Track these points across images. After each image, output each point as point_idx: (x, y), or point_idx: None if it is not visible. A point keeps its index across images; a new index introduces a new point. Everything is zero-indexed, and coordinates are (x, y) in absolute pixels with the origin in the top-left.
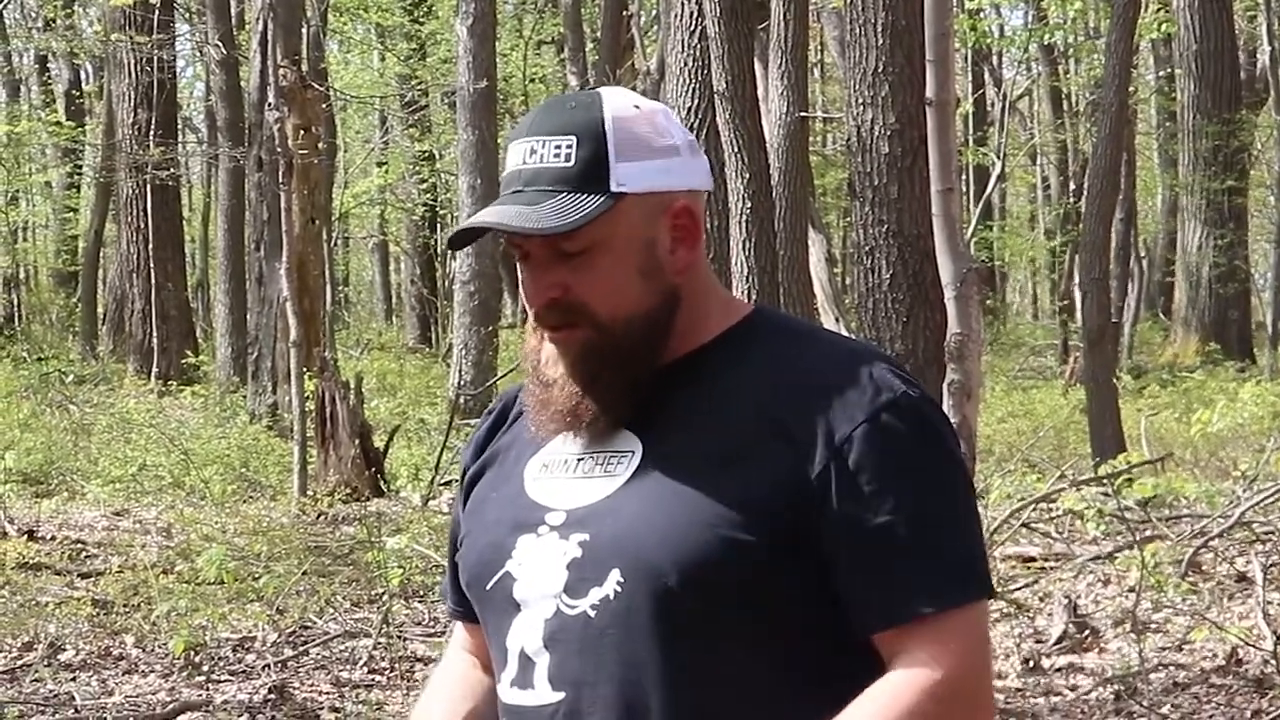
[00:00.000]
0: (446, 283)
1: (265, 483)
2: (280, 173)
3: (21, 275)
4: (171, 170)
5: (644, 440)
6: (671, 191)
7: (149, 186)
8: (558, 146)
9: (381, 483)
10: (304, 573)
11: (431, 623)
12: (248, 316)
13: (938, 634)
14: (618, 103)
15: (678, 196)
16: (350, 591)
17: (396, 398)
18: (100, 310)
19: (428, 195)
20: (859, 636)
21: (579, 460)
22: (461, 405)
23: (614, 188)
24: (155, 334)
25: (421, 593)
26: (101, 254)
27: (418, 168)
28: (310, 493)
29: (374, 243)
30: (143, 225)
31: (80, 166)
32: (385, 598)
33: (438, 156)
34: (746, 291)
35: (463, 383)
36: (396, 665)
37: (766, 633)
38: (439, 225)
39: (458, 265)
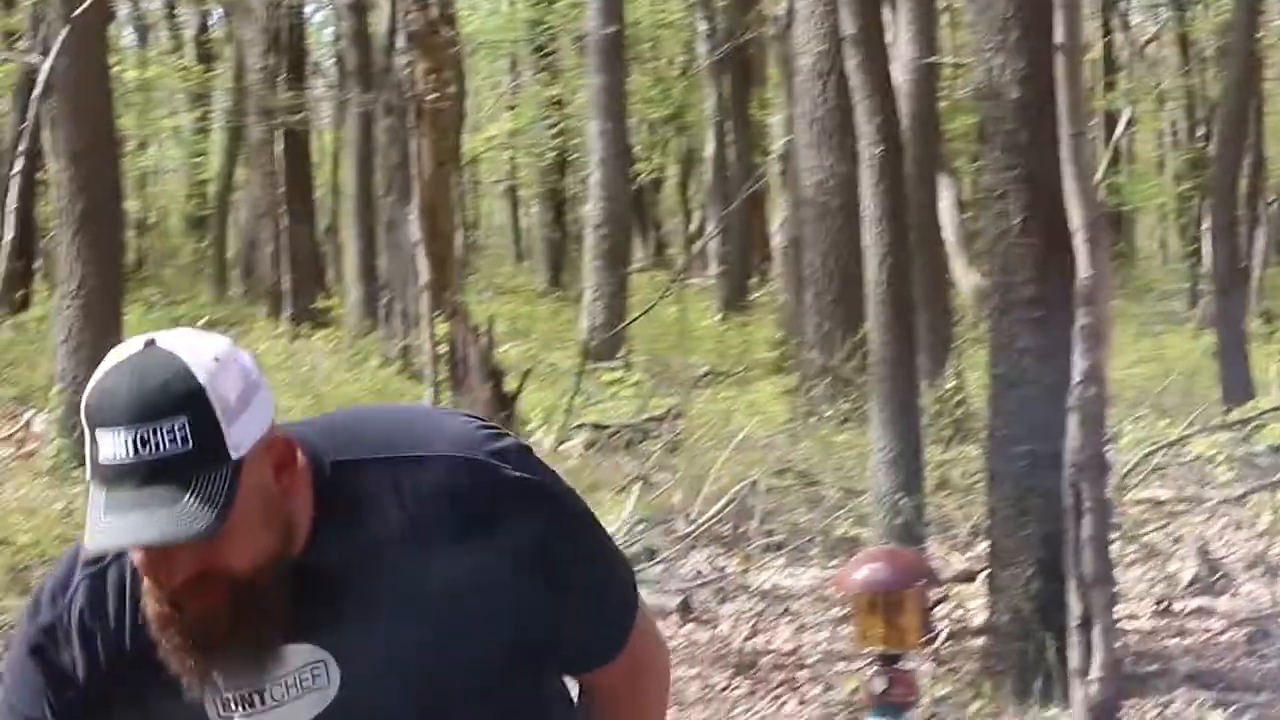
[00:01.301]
0: (577, 226)
1: None
2: (410, 117)
3: (152, 220)
4: (301, 115)
5: (321, 643)
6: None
7: (278, 131)
8: (170, 431)
9: (514, 426)
10: None
11: None
12: (378, 260)
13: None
14: (202, 360)
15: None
16: None
17: (528, 341)
18: (230, 254)
19: (557, 139)
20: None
21: (260, 692)
22: (592, 349)
23: (233, 455)
24: (286, 277)
25: None
26: (231, 198)
27: (547, 112)
28: None
29: (504, 187)
30: (272, 170)
31: (210, 111)
32: None
33: (567, 101)
34: (878, 236)
35: (594, 326)
36: None
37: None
38: (568, 169)
39: (589, 208)
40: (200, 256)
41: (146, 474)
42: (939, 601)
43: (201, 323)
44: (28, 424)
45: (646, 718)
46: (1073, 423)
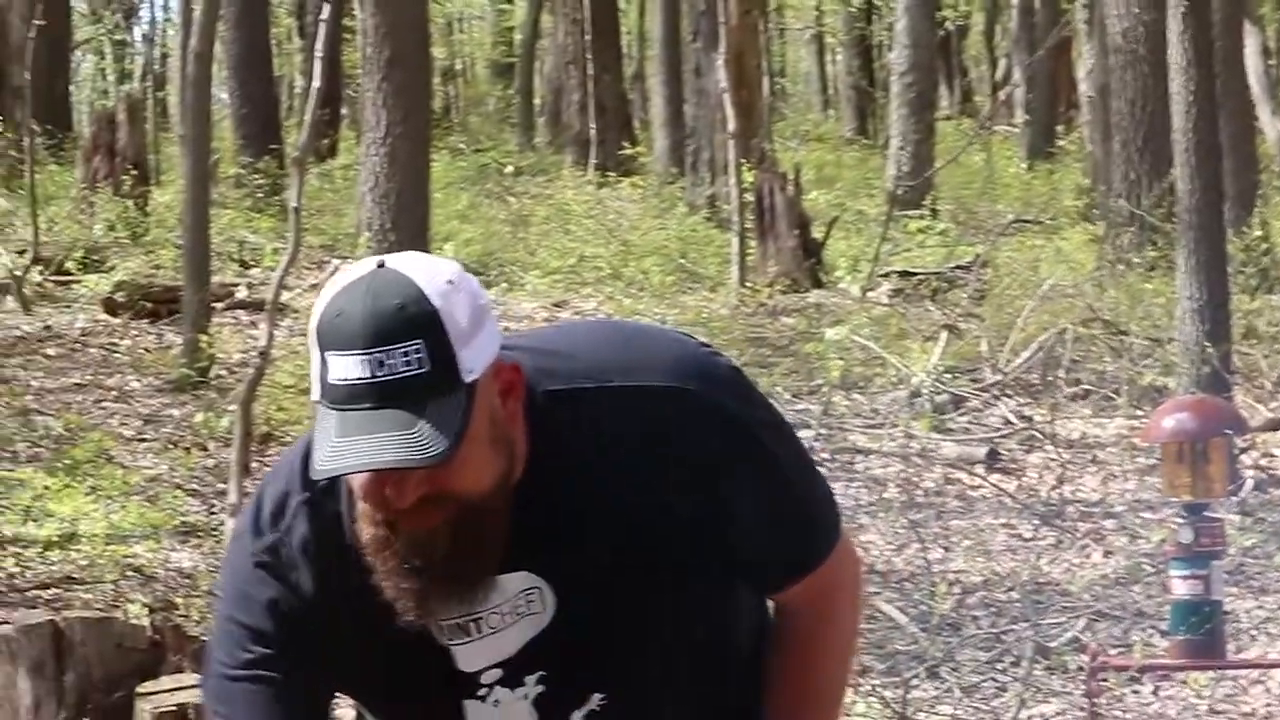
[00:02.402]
0: (883, 74)
1: (704, 274)
2: None
3: (458, 67)
4: None
5: (535, 569)
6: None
7: None
8: (406, 354)
9: (820, 274)
10: (744, 364)
11: (871, 414)
12: (684, 108)
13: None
14: (435, 284)
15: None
16: (790, 383)
17: (834, 189)
18: (537, 101)
19: None
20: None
21: (477, 619)
22: (899, 197)
23: (465, 378)
24: (592, 125)
25: (861, 384)
26: (537, 45)
27: None
28: (749, 284)
29: (809, 34)
30: (579, 16)
31: None
32: (825, 389)
33: None
34: (1184, 84)
35: (900, 174)
36: (837, 456)
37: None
38: (874, 16)
39: (894, 55)
40: (506, 104)
41: (381, 397)
42: (1245, 450)
43: (508, 170)
44: (334, 272)
45: (839, 632)
46: None
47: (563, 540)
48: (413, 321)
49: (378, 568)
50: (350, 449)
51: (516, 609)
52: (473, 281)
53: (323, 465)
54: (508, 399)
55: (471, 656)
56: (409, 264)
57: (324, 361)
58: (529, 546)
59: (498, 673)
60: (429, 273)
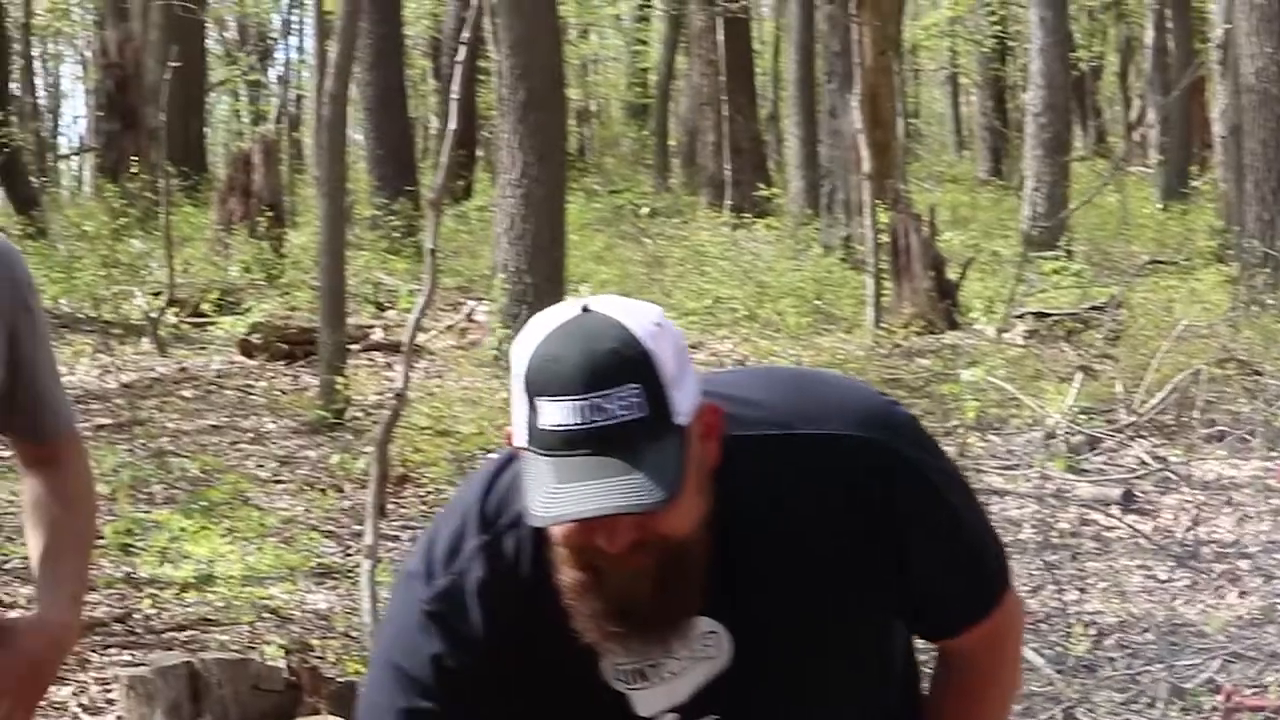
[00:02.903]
0: (1018, 114)
1: (839, 315)
2: (852, 4)
3: (593, 108)
4: (742, 2)
5: (715, 613)
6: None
7: (720, 19)
8: (623, 399)
9: (955, 314)
10: None
11: (1007, 455)
12: (819, 149)
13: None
14: (644, 326)
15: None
16: (926, 424)
17: (968, 230)
18: (672, 143)
19: (997, 27)
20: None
21: (656, 664)
22: (1033, 237)
23: (678, 421)
24: (727, 166)
25: (996, 425)
26: (672, 86)
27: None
28: (884, 324)
29: (944, 75)
30: (714, 58)
31: None
32: (961, 430)
33: None
34: None
35: (1035, 214)
36: None
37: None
38: (1008, 57)
39: (1029, 96)
40: (641, 145)
41: (599, 442)
42: None
43: (643, 211)
44: (470, 314)
45: (1004, 677)
46: None
47: (743, 585)
48: (628, 365)
49: (578, 612)
50: (571, 495)
51: (695, 653)
52: (673, 324)
53: (545, 513)
54: (708, 441)
55: (649, 701)
56: (614, 307)
57: (534, 407)
58: (710, 590)
59: (673, 717)
60: (635, 316)
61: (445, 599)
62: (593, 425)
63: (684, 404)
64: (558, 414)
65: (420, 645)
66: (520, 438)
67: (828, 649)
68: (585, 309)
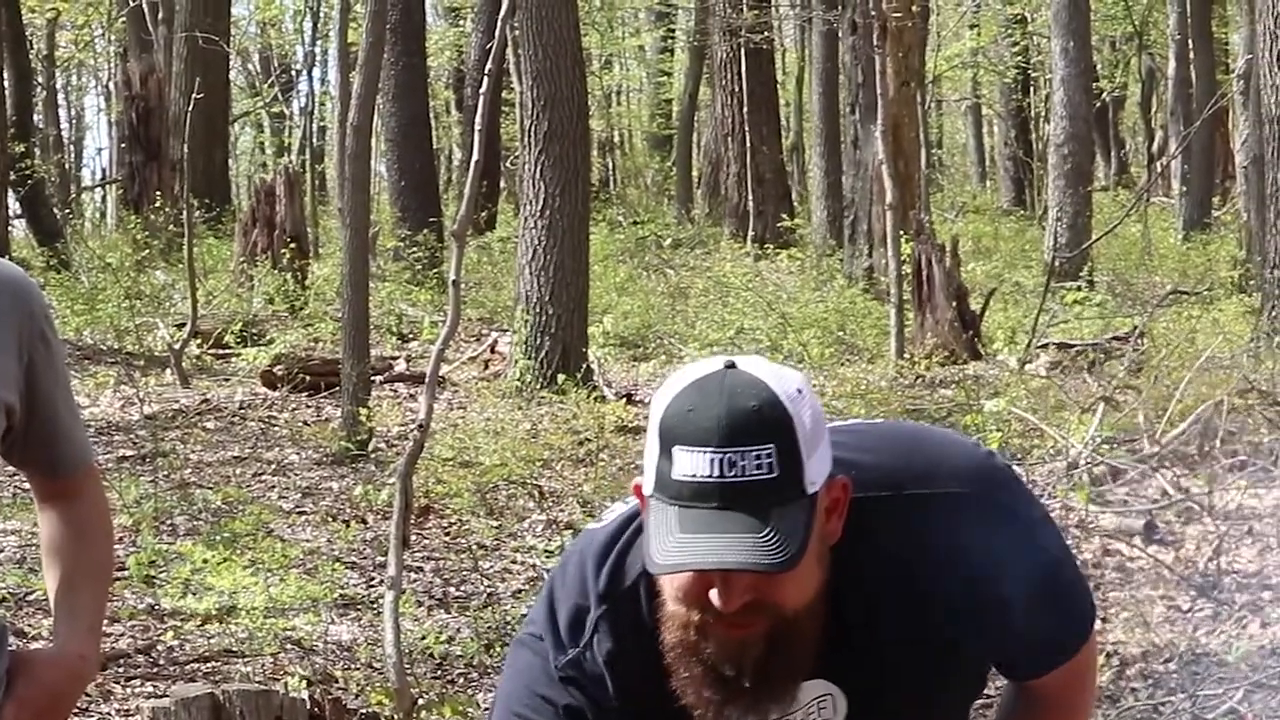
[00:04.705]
0: (1040, 145)
1: (862, 345)
2: (875, 36)
3: (616, 139)
4: (765, 34)
5: (829, 676)
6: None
7: (743, 50)
8: (758, 457)
9: (978, 345)
10: None
11: (1029, 485)
12: (842, 179)
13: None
14: (787, 390)
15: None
16: None
17: (991, 260)
18: (695, 174)
19: (1019, 58)
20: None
21: None
22: (1056, 267)
23: (808, 489)
24: (750, 197)
25: (1019, 456)
26: (695, 117)
27: (1009, 30)
28: (907, 355)
29: (967, 105)
30: (737, 89)
31: (674, 30)
32: None
33: (1029, 19)
34: None
35: (1058, 245)
36: None
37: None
38: (1031, 88)
39: (1051, 127)
40: (665, 176)
41: (728, 497)
42: None
43: (666, 242)
44: (493, 345)
45: (1078, 709)
46: None
47: (858, 648)
48: (768, 425)
49: (680, 672)
50: (693, 547)
51: (808, 715)
52: (813, 393)
53: (666, 560)
54: (833, 514)
55: None
56: (758, 367)
57: (669, 455)
58: (825, 653)
59: None
60: (779, 378)
61: (577, 667)
62: (725, 480)
63: (816, 473)
64: (692, 464)
65: (554, 697)
66: (649, 485)
67: (933, 704)
68: (730, 365)
